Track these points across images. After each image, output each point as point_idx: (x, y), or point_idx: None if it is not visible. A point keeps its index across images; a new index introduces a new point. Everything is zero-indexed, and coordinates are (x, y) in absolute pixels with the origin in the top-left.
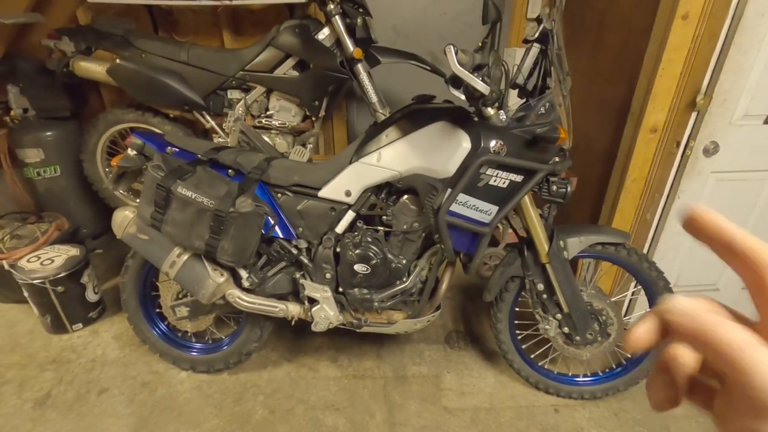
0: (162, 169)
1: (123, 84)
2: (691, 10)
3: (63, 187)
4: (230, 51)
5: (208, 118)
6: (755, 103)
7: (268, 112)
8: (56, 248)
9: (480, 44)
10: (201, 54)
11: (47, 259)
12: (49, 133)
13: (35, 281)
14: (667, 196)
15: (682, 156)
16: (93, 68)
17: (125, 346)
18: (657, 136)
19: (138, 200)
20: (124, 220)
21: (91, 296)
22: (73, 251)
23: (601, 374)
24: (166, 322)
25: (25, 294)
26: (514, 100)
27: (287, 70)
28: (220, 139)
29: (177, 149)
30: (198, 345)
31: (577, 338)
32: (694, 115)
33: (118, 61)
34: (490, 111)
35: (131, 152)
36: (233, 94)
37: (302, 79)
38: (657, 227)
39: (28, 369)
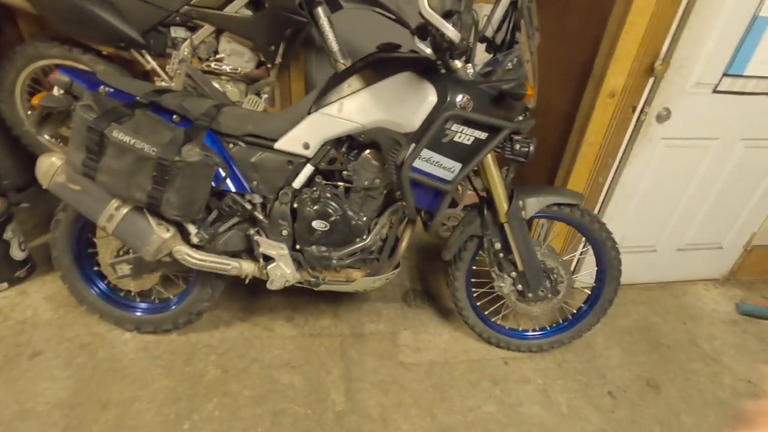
0: (93, 109)
1: (44, 12)
2: None
3: None
4: None
5: (148, 58)
6: (707, 72)
7: (217, 56)
8: None
9: None
10: None
11: None
12: None
13: None
14: (620, 161)
15: (636, 121)
16: None
17: (59, 307)
18: (614, 101)
19: (67, 147)
20: (51, 167)
21: (17, 254)
22: None
23: (548, 329)
24: (106, 281)
25: None
26: (480, 55)
27: (239, 8)
28: (162, 83)
29: (111, 89)
30: (143, 305)
31: (530, 295)
32: (651, 80)
33: None
34: (458, 63)
35: (57, 91)
36: (177, 32)
37: (256, 20)
38: (608, 191)
39: None
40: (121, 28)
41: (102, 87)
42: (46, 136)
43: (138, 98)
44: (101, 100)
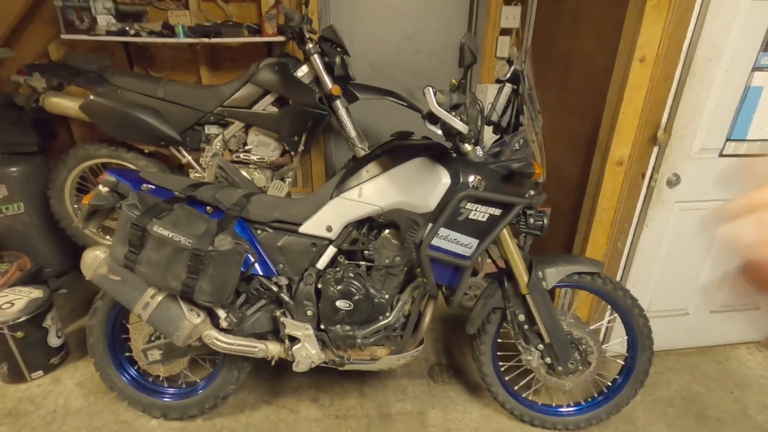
0: (137, 207)
1: (97, 120)
2: (647, 54)
3: (26, 225)
4: (208, 87)
5: (184, 153)
6: (710, 138)
7: (246, 147)
8: (17, 290)
9: (456, 83)
10: (178, 90)
11: (6, 303)
12: (13, 169)
13: None
14: (636, 225)
15: (647, 187)
16: (65, 104)
17: (90, 393)
18: (623, 169)
19: (108, 237)
20: (95, 260)
21: (54, 341)
22: (36, 293)
23: (583, 404)
24: (136, 367)
25: None
26: (489, 135)
27: (266, 106)
28: (196, 174)
29: (153, 186)
30: (170, 390)
31: (559, 368)
32: (656, 149)
33: (92, 97)
34: (468, 147)
35: (104, 190)
36: (211, 130)
37: (281, 115)
38: (628, 255)
39: None
40: (163, 130)
41: (145, 185)
42: (91, 229)
43: (176, 193)
44: (144, 198)
